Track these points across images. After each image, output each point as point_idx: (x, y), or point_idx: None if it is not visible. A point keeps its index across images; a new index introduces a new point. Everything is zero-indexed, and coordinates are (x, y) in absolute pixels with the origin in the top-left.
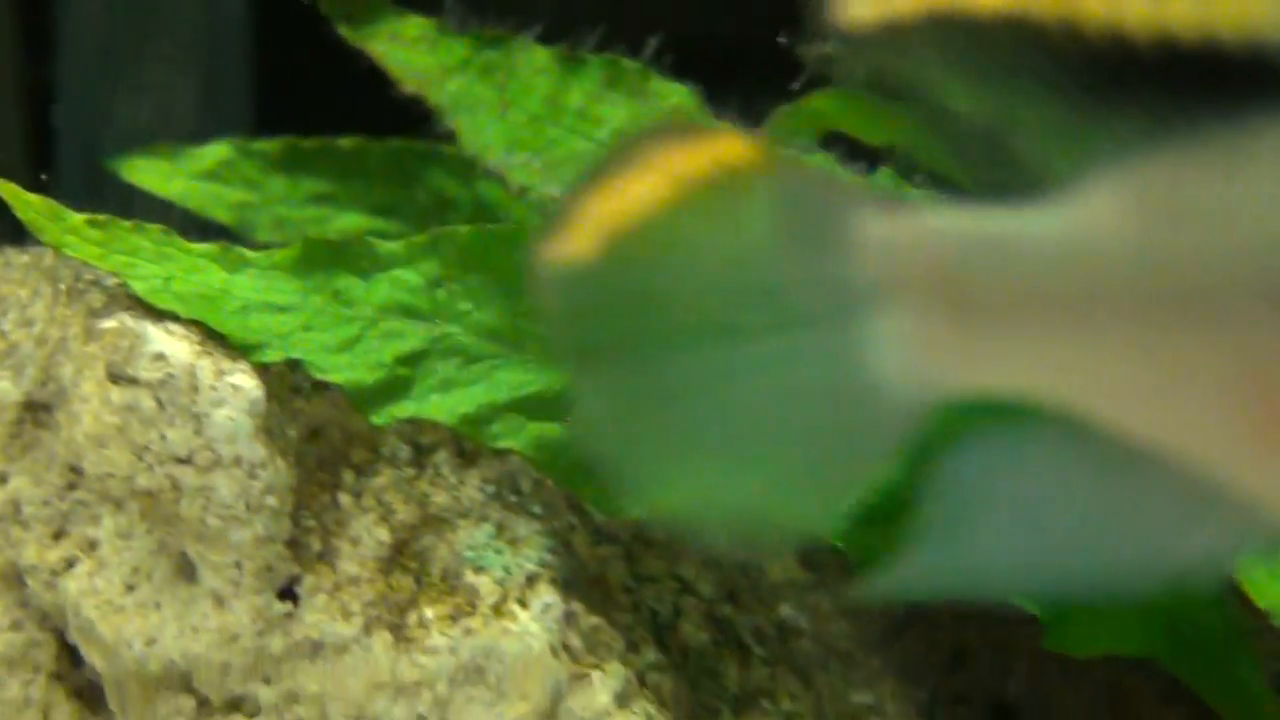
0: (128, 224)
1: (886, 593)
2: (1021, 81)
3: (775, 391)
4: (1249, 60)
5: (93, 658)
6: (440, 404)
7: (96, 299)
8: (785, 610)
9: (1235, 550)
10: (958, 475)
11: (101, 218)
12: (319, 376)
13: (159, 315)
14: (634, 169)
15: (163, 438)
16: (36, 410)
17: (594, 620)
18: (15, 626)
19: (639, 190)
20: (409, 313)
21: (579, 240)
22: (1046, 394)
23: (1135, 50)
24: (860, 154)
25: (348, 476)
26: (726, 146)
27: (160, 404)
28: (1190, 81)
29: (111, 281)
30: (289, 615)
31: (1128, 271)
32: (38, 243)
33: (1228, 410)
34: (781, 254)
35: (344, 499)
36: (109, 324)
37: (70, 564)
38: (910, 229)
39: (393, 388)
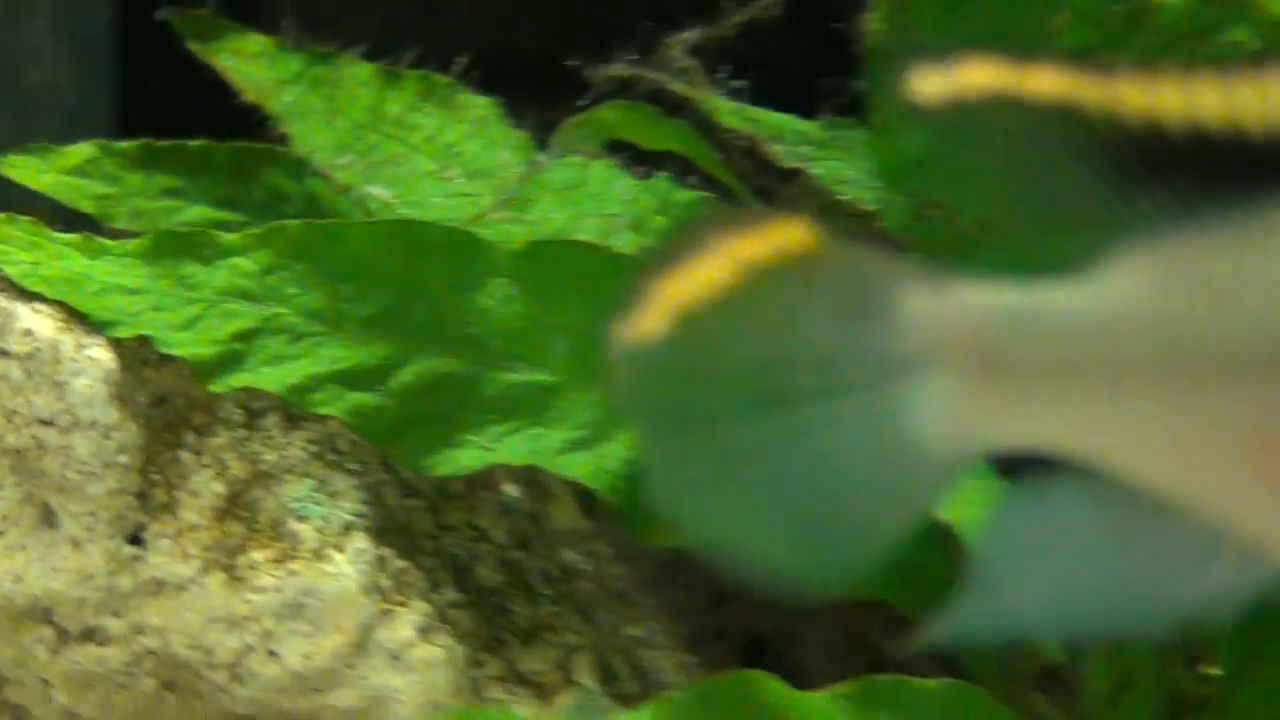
0: (3, 215)
1: (941, 640)
2: (1067, 160)
3: (825, 455)
4: (1272, 147)
5: None
6: (270, 375)
7: None
8: (569, 555)
9: (1243, 593)
10: (1000, 533)
11: None
12: (165, 350)
13: (29, 296)
14: (699, 253)
15: (29, 403)
16: None
17: (401, 564)
18: None
19: (704, 273)
20: (245, 295)
21: (650, 320)
22: (1074, 451)
23: (1169, 136)
24: (641, 159)
25: (189, 437)
26: (783, 231)
27: (28, 373)
28: (1217, 166)
29: None
30: (137, 558)
31: (1153, 341)
32: None
33: (1241, 467)
34: (832, 328)
35: (186, 457)
36: None
37: None
38: (950, 302)
39: (229, 360)
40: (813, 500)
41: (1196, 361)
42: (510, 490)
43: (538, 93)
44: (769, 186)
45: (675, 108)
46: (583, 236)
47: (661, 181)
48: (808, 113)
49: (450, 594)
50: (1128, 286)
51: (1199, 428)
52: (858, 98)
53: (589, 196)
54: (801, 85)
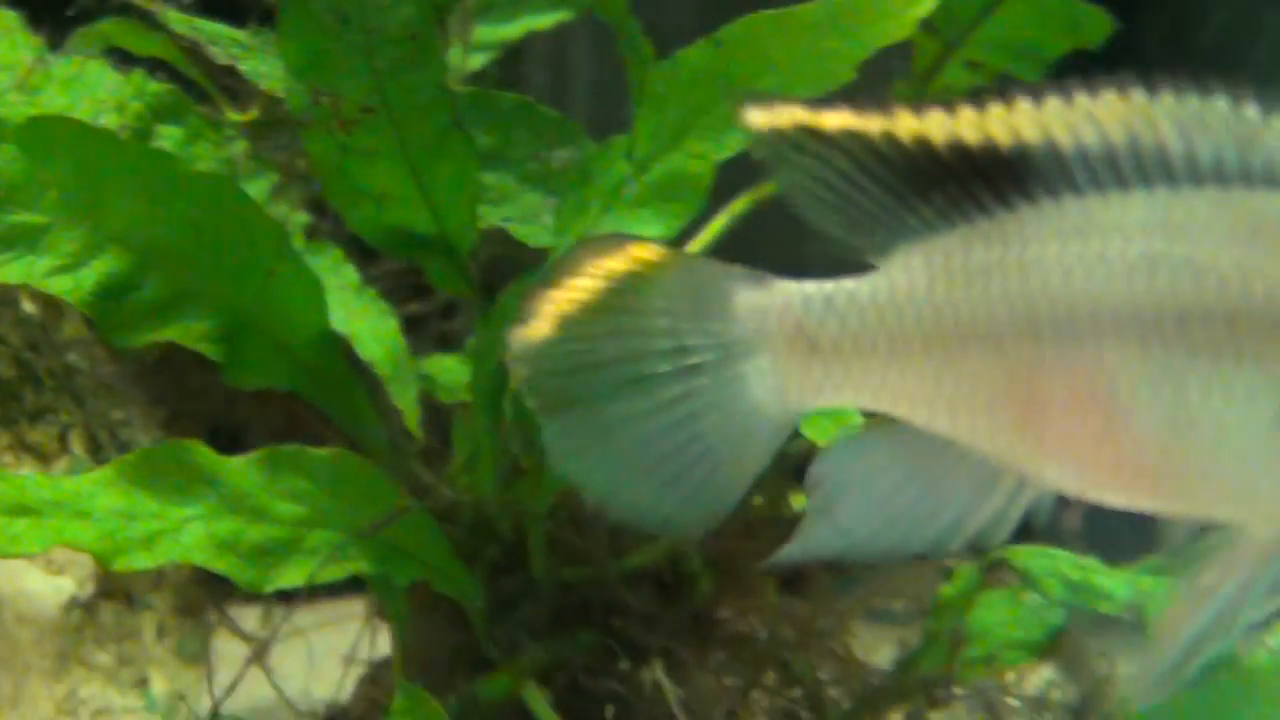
0: None
1: (793, 558)
2: (860, 179)
3: (683, 421)
4: (1016, 157)
5: None
6: None
7: None
8: (71, 357)
9: (1017, 515)
10: (827, 474)
11: None
12: None
13: None
14: (574, 272)
15: None
16: None
17: None
18: None
19: (578, 286)
20: None
21: (538, 326)
22: (879, 408)
23: (937, 155)
24: (135, 62)
25: None
26: (640, 251)
27: None
28: (976, 177)
29: None
30: None
31: (925, 319)
32: None
33: (1001, 415)
34: (682, 321)
35: None
36: None
37: None
38: (771, 296)
39: None
40: (675, 459)
41: (960, 333)
42: (29, 306)
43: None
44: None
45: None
46: (78, 116)
47: (137, 76)
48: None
49: None
50: (906, 277)
51: (966, 384)
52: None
53: (84, 87)
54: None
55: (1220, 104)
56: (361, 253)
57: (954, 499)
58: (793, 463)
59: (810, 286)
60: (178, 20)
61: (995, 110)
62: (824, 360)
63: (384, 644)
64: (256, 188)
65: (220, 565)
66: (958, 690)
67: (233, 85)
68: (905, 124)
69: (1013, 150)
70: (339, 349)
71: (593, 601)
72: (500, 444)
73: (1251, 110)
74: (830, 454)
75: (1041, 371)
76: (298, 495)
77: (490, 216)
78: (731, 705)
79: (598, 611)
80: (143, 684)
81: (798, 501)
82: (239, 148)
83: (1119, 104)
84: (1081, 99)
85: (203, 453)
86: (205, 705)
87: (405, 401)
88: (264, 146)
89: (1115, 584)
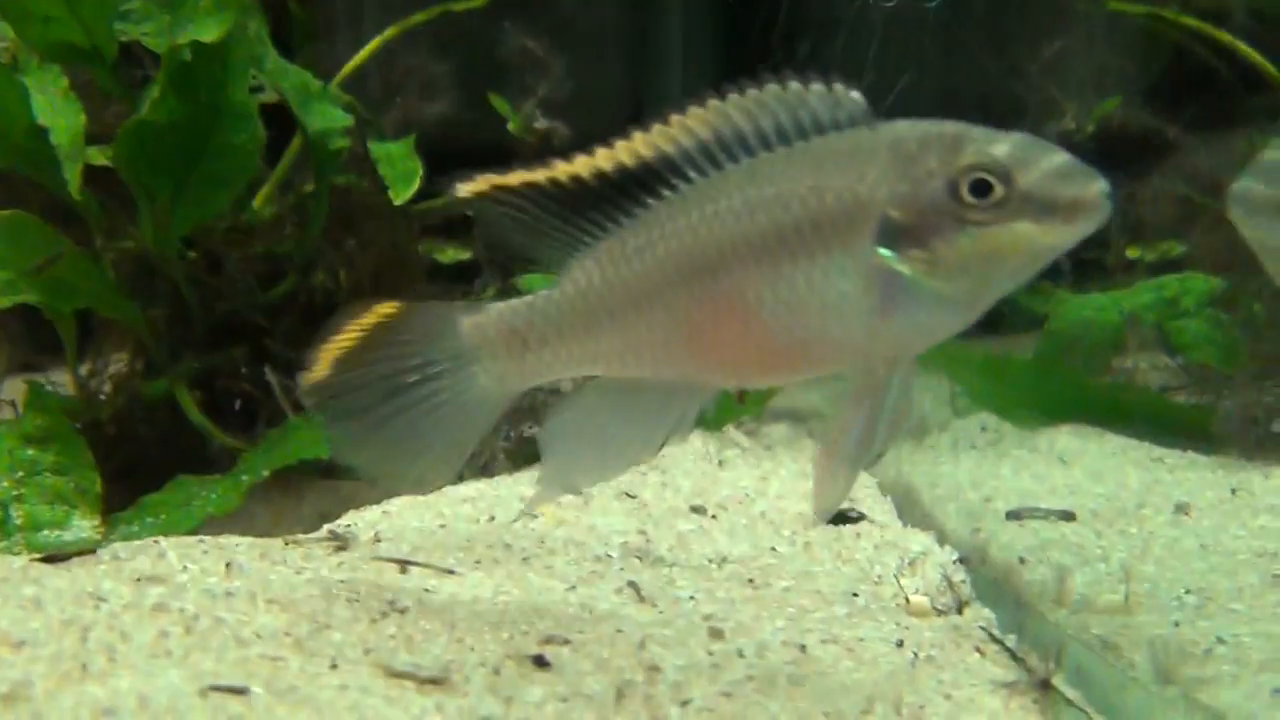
0: None
1: (541, 501)
2: (537, 212)
3: (431, 410)
4: (640, 171)
5: None
6: None
7: None
8: None
9: (692, 416)
10: (553, 430)
11: None
12: None
13: None
14: (339, 328)
15: None
16: None
17: None
18: None
19: (344, 336)
20: None
21: (319, 369)
22: (584, 371)
23: (588, 184)
24: None
25: None
26: (383, 307)
27: None
28: (619, 191)
29: None
30: None
31: (605, 297)
32: None
33: (677, 344)
34: (424, 345)
35: None
36: None
37: None
38: (487, 315)
39: None
40: (425, 436)
41: (630, 300)
42: None
43: None
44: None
45: None
46: None
47: None
48: None
49: None
50: (583, 274)
51: (642, 335)
52: None
53: None
54: None
55: (770, 88)
56: None
57: (648, 419)
58: (422, 228)
59: (516, 301)
60: None
61: (620, 142)
62: (535, 351)
63: None
64: None
65: None
66: None
67: None
68: (560, 169)
69: (637, 167)
70: (44, 137)
71: (249, 324)
72: (151, 204)
73: (794, 85)
74: (553, 414)
75: (693, 307)
76: None
77: (132, 32)
78: None
79: (252, 332)
80: None
81: (431, 250)
82: None
83: (700, 112)
84: (674, 117)
85: None
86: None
87: (72, 174)
88: None
89: None
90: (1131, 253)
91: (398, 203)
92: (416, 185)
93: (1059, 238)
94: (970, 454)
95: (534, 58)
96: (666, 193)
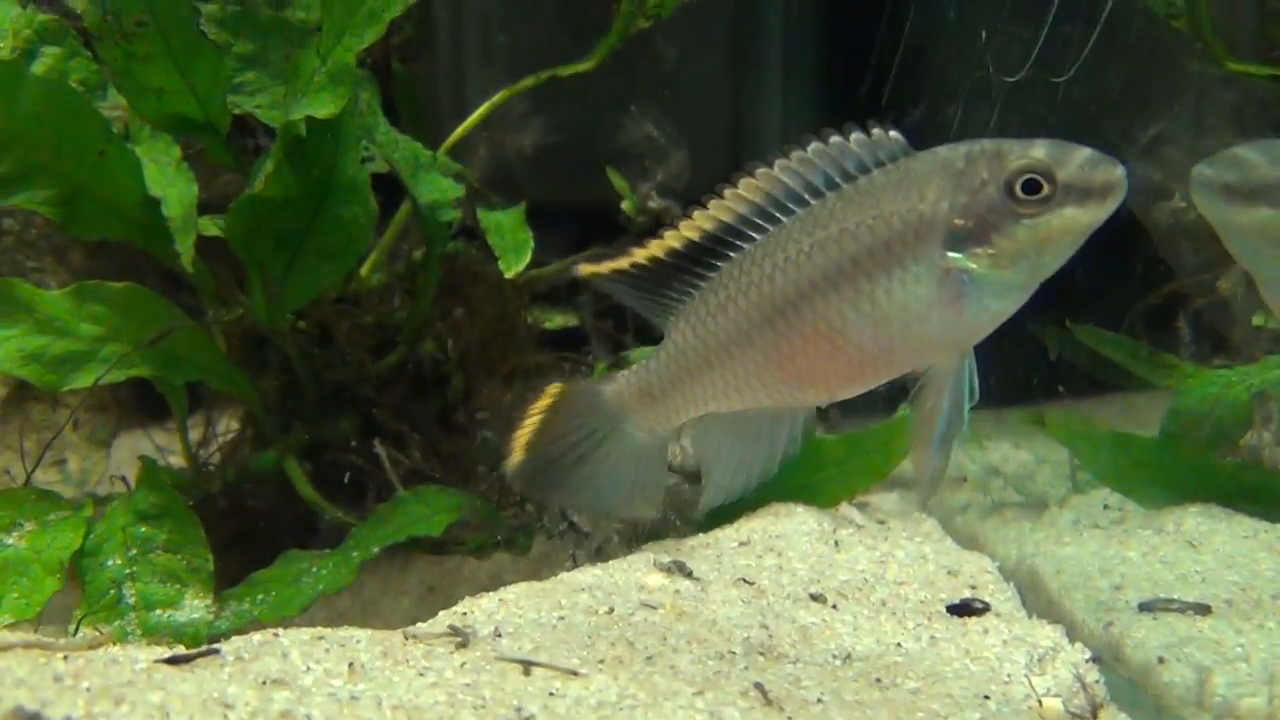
0: None
1: (704, 510)
2: (640, 285)
3: (609, 464)
4: (710, 240)
5: None
6: None
7: None
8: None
9: (799, 432)
10: (699, 449)
11: None
12: None
13: None
14: (523, 414)
15: None
16: None
17: None
18: None
19: (527, 422)
20: None
21: (515, 455)
22: (706, 410)
23: (664, 259)
24: None
25: None
26: (552, 389)
27: None
28: (691, 261)
29: None
30: None
31: (703, 348)
32: None
33: (769, 375)
34: (587, 417)
35: None
36: None
37: None
38: (621, 383)
39: None
40: (612, 482)
41: (725, 346)
42: None
43: None
44: None
45: None
46: None
47: (31, 10)
48: None
49: None
50: (683, 331)
51: (742, 373)
52: None
53: None
54: None
55: (812, 144)
56: None
57: (767, 440)
58: (529, 295)
59: (637, 366)
60: None
61: (682, 221)
62: (661, 401)
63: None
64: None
65: (24, 372)
66: None
67: None
68: (642, 251)
69: (706, 237)
70: (156, 208)
71: (358, 395)
72: (263, 277)
73: (834, 137)
74: (695, 441)
75: (780, 341)
76: (97, 318)
77: (246, 105)
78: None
79: (361, 404)
80: (61, 464)
81: (539, 318)
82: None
83: (749, 181)
84: (727, 190)
85: (24, 288)
86: (109, 483)
87: (185, 245)
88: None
89: None
90: (1256, 320)
91: (509, 275)
92: (528, 258)
93: (1096, 215)
94: (1094, 534)
95: (655, 144)
96: (732, 254)
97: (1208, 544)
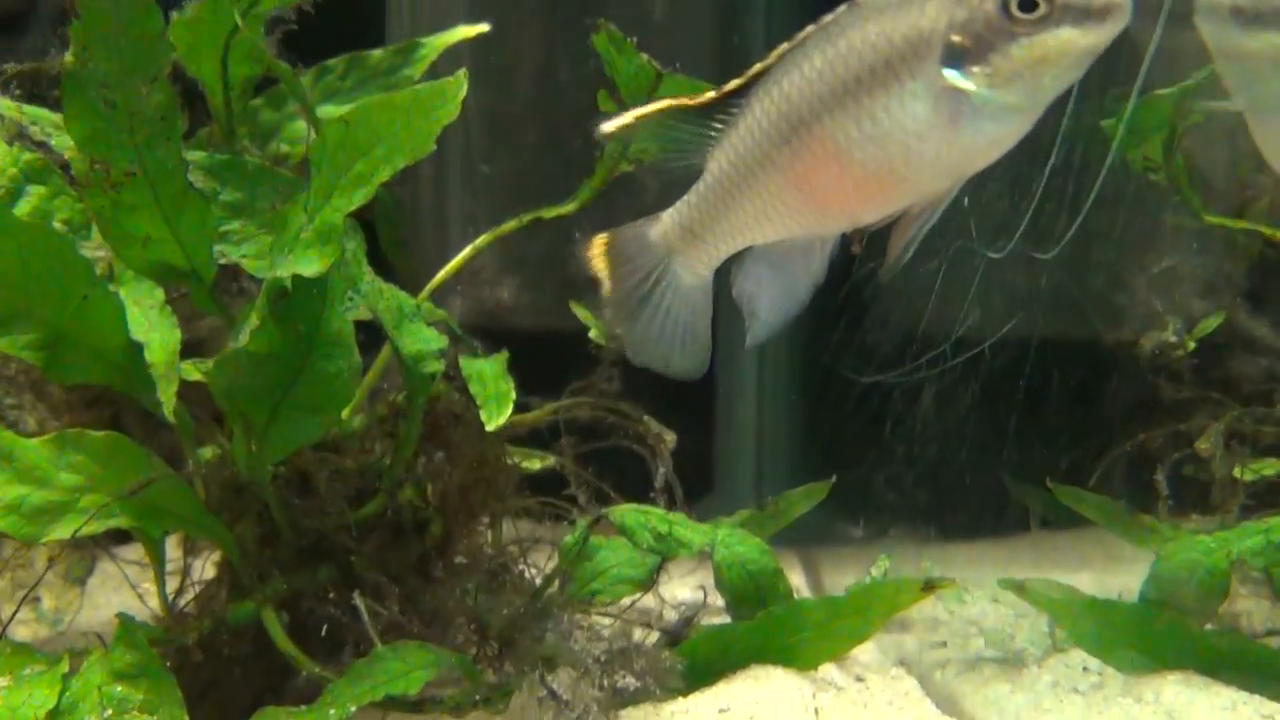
0: None
1: (754, 342)
2: (672, 127)
3: (668, 309)
4: (744, 83)
5: None
6: None
7: None
8: None
9: (827, 255)
10: (741, 293)
11: None
12: None
13: None
14: (588, 257)
15: None
16: None
17: None
18: None
19: (598, 258)
20: None
21: (605, 281)
22: (745, 243)
23: (707, 102)
24: None
25: None
26: (605, 236)
27: None
28: (734, 98)
29: None
30: None
31: (736, 178)
32: None
33: (790, 198)
34: (636, 259)
35: None
36: None
37: None
38: (662, 223)
39: None
40: (667, 328)
41: (754, 173)
42: None
43: None
44: None
45: None
46: None
47: (17, 148)
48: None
49: None
50: (716, 166)
51: (771, 200)
52: None
53: None
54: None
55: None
56: None
57: (800, 266)
58: (509, 437)
59: (679, 202)
60: (8, 107)
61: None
62: (703, 237)
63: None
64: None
65: (3, 524)
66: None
67: None
68: (685, 101)
69: (744, 83)
70: (139, 353)
71: (336, 544)
72: (246, 429)
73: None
74: (737, 282)
75: (795, 161)
76: (76, 467)
77: (232, 254)
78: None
79: (339, 552)
80: (34, 601)
81: (519, 459)
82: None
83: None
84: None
85: (4, 435)
86: (84, 617)
87: (166, 395)
88: None
89: (693, 534)
90: (1235, 473)
91: (490, 428)
92: (509, 410)
93: (1096, 38)
94: (1074, 700)
95: None
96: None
97: (1186, 715)
